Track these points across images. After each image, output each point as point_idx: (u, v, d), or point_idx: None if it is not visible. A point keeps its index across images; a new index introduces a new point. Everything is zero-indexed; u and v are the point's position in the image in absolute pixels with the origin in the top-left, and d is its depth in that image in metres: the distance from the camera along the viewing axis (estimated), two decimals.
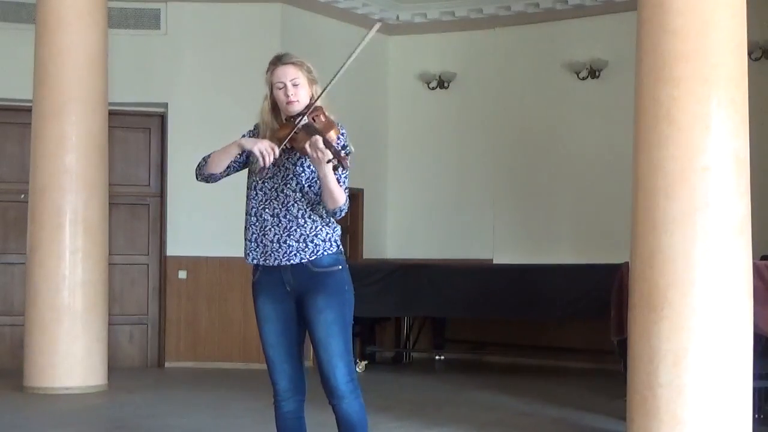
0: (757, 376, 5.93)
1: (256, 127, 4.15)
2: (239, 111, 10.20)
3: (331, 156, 3.81)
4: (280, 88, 4.01)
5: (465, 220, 11.19)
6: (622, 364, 6.81)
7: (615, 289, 7.04)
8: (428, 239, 11.37)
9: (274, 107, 4.09)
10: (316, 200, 4.02)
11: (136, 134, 10.50)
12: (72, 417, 7.18)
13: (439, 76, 11.33)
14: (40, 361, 8.21)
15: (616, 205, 9.36)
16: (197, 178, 4.13)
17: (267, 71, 4.07)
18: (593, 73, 10.55)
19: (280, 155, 3.97)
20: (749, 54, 6.28)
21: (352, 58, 3.99)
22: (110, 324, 8.84)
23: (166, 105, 10.35)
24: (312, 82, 4.05)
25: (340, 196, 3.94)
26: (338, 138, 3.98)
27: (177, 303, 10.31)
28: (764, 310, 6.17)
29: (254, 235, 4.05)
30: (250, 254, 4.07)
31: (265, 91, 4.10)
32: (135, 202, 10.42)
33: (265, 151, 3.88)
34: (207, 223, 10.19)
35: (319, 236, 4.02)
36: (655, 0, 5.69)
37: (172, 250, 10.29)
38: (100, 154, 8.49)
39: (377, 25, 4.22)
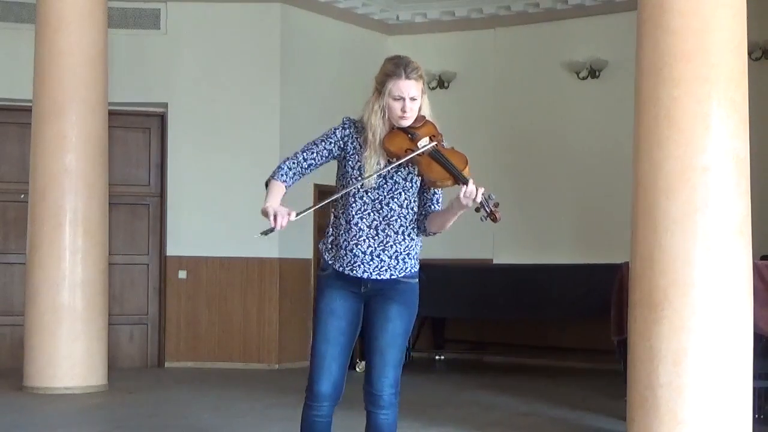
0: (757, 376, 5.94)
1: (358, 123, 3.93)
2: (239, 111, 10.33)
3: (479, 207, 3.76)
4: (396, 100, 3.81)
5: (465, 220, 11.14)
6: (622, 364, 6.82)
7: (615, 289, 7.05)
8: (428, 239, 11.30)
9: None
10: (415, 217, 3.94)
11: (136, 134, 10.50)
12: (72, 417, 7.17)
13: (439, 76, 11.32)
14: (40, 361, 8.21)
15: (616, 205, 9.35)
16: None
17: (387, 74, 3.83)
18: (593, 73, 10.54)
19: (387, 166, 3.81)
20: (749, 54, 6.28)
21: None
22: (110, 324, 8.84)
23: (166, 105, 10.36)
24: (424, 92, 3.87)
25: (449, 226, 3.93)
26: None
27: (177, 303, 10.31)
28: (764, 310, 6.18)
29: (345, 243, 3.85)
30: (337, 262, 3.87)
31: (375, 88, 3.89)
32: (135, 202, 10.42)
33: (280, 215, 3.64)
34: (207, 223, 10.19)
35: (411, 253, 3.95)
36: (655, 0, 5.69)
37: (172, 250, 10.29)
38: (100, 154, 8.48)
39: None
